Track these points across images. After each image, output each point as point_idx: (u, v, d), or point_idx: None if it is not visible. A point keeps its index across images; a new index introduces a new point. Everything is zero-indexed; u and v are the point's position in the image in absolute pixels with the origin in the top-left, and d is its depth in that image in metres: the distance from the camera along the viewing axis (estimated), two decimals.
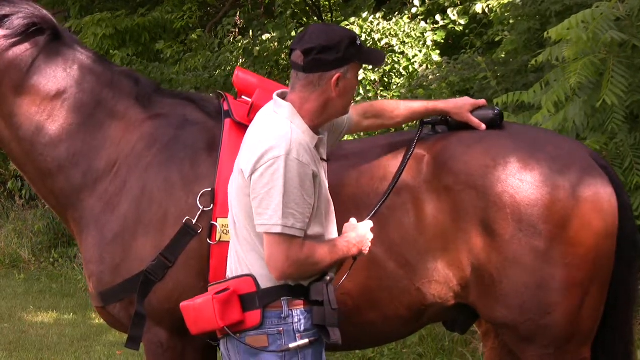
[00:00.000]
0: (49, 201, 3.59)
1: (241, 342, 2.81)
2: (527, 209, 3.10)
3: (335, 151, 3.28)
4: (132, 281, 3.29)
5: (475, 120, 3.31)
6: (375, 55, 2.96)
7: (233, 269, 2.90)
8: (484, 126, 3.30)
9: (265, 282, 2.80)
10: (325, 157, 2.97)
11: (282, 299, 2.80)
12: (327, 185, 2.92)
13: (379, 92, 9.02)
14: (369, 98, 8.95)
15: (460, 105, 3.34)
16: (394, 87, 9.12)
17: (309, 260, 2.76)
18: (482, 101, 3.38)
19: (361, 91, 9.09)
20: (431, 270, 3.20)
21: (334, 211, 2.95)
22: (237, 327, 2.81)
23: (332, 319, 2.81)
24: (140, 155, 3.40)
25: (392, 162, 3.28)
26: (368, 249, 2.93)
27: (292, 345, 2.80)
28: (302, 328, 2.82)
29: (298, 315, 2.82)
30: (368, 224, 2.94)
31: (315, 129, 2.88)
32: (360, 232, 2.89)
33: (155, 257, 3.25)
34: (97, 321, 7.54)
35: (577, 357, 3.22)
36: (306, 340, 2.82)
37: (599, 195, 3.15)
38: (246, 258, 2.83)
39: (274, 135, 2.75)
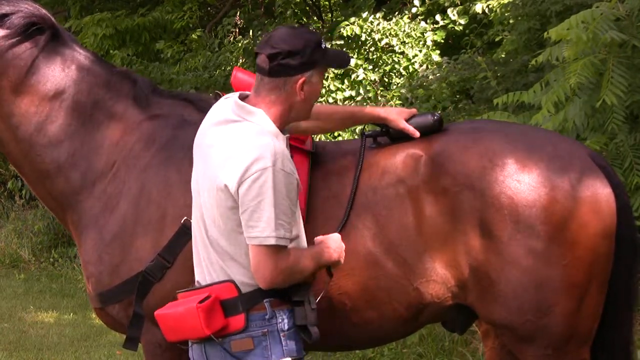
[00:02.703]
0: (47, 203, 3.58)
1: (225, 348, 2.81)
2: (524, 210, 3.10)
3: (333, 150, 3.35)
4: (131, 282, 3.28)
5: (410, 129, 3.30)
6: (340, 58, 3.00)
7: (206, 275, 2.90)
8: (417, 134, 3.30)
9: (246, 288, 2.83)
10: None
11: (265, 301, 2.83)
12: None
13: (379, 92, 9.02)
14: (369, 98, 8.96)
15: (397, 112, 3.35)
16: (394, 87, 9.12)
17: (295, 268, 2.81)
18: (414, 110, 3.38)
19: (361, 91, 9.08)
20: (429, 270, 3.20)
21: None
22: (220, 332, 2.82)
23: (312, 318, 2.87)
24: (139, 156, 3.40)
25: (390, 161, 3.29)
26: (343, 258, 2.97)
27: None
28: (286, 327, 2.86)
29: (281, 315, 2.85)
30: (338, 235, 2.98)
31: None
32: (338, 242, 2.94)
33: (153, 257, 3.25)
34: (97, 321, 7.53)
35: (577, 358, 3.21)
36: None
37: (598, 196, 3.14)
38: (225, 266, 2.84)
39: (255, 145, 2.74)
